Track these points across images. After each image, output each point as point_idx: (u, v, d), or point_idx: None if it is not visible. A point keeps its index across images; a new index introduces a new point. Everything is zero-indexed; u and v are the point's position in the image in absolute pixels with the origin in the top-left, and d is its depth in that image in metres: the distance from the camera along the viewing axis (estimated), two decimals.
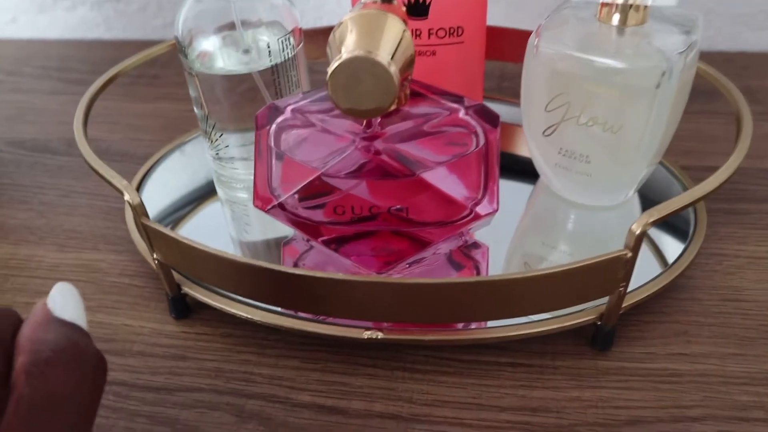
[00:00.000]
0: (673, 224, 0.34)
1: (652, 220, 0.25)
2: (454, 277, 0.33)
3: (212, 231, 0.37)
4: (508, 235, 0.36)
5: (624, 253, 0.25)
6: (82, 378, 0.19)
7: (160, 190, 0.39)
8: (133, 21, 0.62)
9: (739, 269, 0.34)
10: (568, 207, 0.36)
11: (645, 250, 0.34)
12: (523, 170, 0.38)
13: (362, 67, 0.25)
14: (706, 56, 0.55)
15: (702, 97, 0.46)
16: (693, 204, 0.27)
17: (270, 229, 0.37)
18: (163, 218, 0.37)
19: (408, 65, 0.27)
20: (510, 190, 0.38)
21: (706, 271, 0.34)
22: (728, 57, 0.54)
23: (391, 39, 0.26)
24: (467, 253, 0.34)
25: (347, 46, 0.25)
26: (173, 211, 0.38)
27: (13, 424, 0.18)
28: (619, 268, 0.26)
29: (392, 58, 0.25)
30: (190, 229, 0.37)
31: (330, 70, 0.25)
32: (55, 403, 0.18)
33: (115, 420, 0.28)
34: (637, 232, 0.25)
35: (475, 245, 0.34)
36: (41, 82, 0.56)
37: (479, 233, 0.34)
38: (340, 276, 0.26)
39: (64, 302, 0.21)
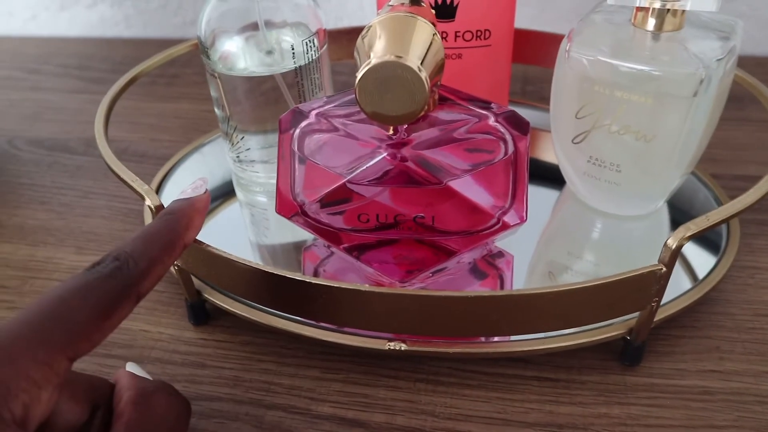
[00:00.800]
0: (704, 236, 0.33)
1: (689, 234, 0.24)
2: (477, 286, 0.32)
3: (231, 234, 0.37)
4: (532, 244, 0.35)
5: (659, 267, 0.24)
6: (178, 407, 0.23)
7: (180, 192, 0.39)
8: (153, 19, 0.62)
9: None
10: (594, 216, 0.35)
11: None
12: (549, 176, 0.38)
13: (392, 72, 0.24)
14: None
15: (731, 103, 0.45)
16: (731, 218, 0.26)
17: (289, 234, 0.37)
18: None
19: (438, 70, 0.26)
20: (535, 197, 0.38)
21: (739, 285, 0.33)
22: (759, 62, 0.53)
23: (420, 43, 0.25)
24: (491, 262, 0.34)
25: (376, 51, 0.24)
26: None
27: None
28: (653, 283, 0.25)
29: (422, 63, 0.24)
30: (209, 232, 0.36)
31: (359, 75, 0.24)
32: (157, 425, 0.22)
33: None
34: (673, 246, 0.24)
35: (500, 254, 0.34)
36: (61, 81, 0.56)
37: (503, 240, 0.33)
38: (364, 287, 0.25)
39: (138, 371, 0.25)
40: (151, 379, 0.24)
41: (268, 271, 0.26)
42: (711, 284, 0.30)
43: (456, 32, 0.35)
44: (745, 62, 0.53)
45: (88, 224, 0.39)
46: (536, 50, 0.43)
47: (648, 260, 0.25)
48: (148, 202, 0.28)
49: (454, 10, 0.34)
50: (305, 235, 0.35)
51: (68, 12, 0.63)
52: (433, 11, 0.30)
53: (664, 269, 0.25)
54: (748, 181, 0.40)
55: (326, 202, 0.30)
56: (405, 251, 0.32)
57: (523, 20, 0.45)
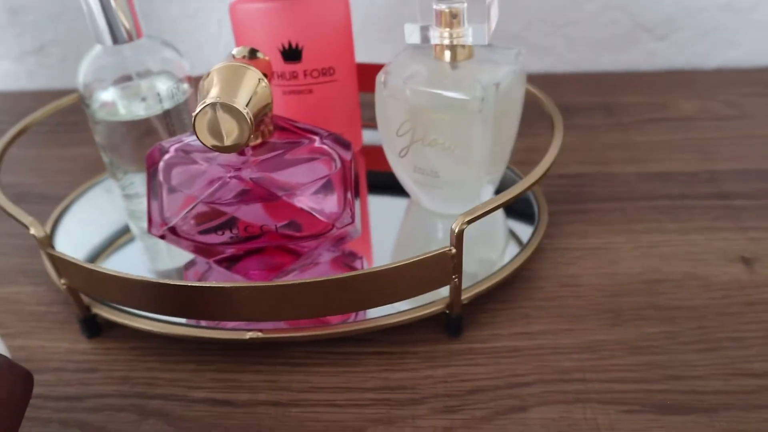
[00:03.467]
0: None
1: (467, 219, 0.31)
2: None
3: (130, 262, 0.41)
4: (389, 248, 0.41)
5: (448, 249, 0.31)
6: (15, 385, 0.24)
7: (79, 226, 0.44)
8: (55, 72, 0.66)
9: (578, 259, 0.40)
10: (435, 218, 0.42)
11: (514, 247, 0.39)
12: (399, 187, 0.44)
13: (220, 110, 0.30)
14: (570, 77, 0.62)
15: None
16: (505, 204, 0.33)
17: (180, 258, 0.42)
18: (82, 252, 0.41)
19: (264, 107, 0.32)
20: (390, 206, 0.44)
21: (551, 263, 0.40)
22: (591, 77, 0.61)
23: (248, 87, 0.31)
24: (348, 264, 0.40)
25: (210, 94, 0.30)
26: (92, 246, 0.42)
27: None
28: (447, 262, 0.31)
29: (248, 102, 0.30)
30: (108, 263, 0.41)
31: (194, 114, 0.30)
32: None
33: (29, 428, 0.32)
34: (456, 230, 0.31)
35: (353, 255, 0.40)
36: None
37: (365, 247, 0.40)
38: (224, 284, 0.31)
39: None
40: None
41: (138, 279, 0.32)
42: (517, 264, 0.37)
43: (304, 71, 0.42)
44: (579, 78, 0.62)
45: None
46: None
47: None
48: (32, 230, 0.33)
49: (300, 53, 0.41)
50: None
51: None
52: (269, 59, 0.36)
53: (454, 250, 0.31)
54: (568, 178, 0.47)
55: (199, 221, 0.35)
56: (267, 258, 0.37)
57: (381, 56, 0.52)
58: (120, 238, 0.44)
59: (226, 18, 0.62)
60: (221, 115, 0.30)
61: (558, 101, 0.42)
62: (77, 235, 0.43)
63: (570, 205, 0.44)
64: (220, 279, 0.38)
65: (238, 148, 0.31)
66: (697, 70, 0.62)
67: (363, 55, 0.46)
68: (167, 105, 0.39)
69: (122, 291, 0.32)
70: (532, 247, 0.38)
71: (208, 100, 0.30)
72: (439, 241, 0.41)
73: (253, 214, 0.35)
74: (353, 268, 0.39)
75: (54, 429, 0.32)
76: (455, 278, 0.32)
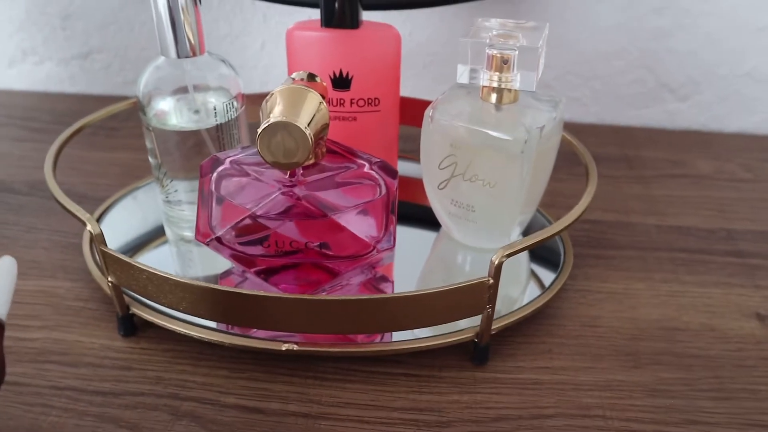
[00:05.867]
0: (555, 266, 0.42)
1: (507, 253, 0.32)
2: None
3: (159, 266, 0.42)
4: (415, 276, 0.42)
5: (486, 279, 0.32)
6: None
7: (114, 229, 0.45)
8: (96, 77, 0.68)
9: (599, 301, 0.42)
10: (464, 250, 0.44)
11: (532, 286, 0.41)
12: (427, 219, 0.46)
13: (284, 128, 0.32)
14: (595, 128, 0.64)
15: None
16: (544, 241, 0.34)
17: (210, 266, 0.43)
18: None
19: (322, 129, 0.34)
20: (419, 236, 0.46)
21: (574, 304, 0.41)
22: (615, 130, 0.64)
23: (309, 108, 0.33)
24: (376, 286, 0.41)
25: (273, 113, 0.32)
26: (125, 248, 0.44)
27: None
28: (484, 291, 0.33)
29: (309, 123, 0.32)
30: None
31: (259, 131, 0.32)
32: None
33: (66, 419, 0.33)
34: (496, 262, 0.32)
35: (384, 278, 0.41)
36: (5, 130, 0.61)
37: (387, 273, 0.41)
38: (262, 293, 0.32)
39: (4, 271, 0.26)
40: None
41: (188, 282, 0.33)
42: (542, 302, 0.39)
43: (351, 99, 0.44)
44: (604, 129, 0.64)
45: (30, 254, 0.44)
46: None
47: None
48: (89, 227, 0.34)
49: (349, 82, 0.43)
50: (223, 268, 0.42)
51: (16, 68, 0.68)
52: (326, 85, 0.39)
53: (491, 281, 0.33)
54: (591, 223, 0.49)
55: (239, 233, 0.37)
56: (304, 274, 0.39)
57: (417, 89, 0.54)
58: (152, 241, 0.45)
59: (270, 41, 0.64)
60: (284, 133, 0.32)
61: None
62: (112, 236, 0.44)
63: (592, 250, 0.46)
64: (255, 289, 0.40)
65: (295, 166, 0.33)
66: (715, 133, 0.64)
67: (403, 89, 0.48)
68: (220, 119, 0.41)
69: (172, 293, 0.33)
70: (558, 285, 0.40)
71: (272, 119, 0.32)
72: (466, 273, 0.43)
73: (296, 230, 0.36)
74: (381, 292, 0.41)
75: (89, 422, 0.33)
76: (489, 308, 0.34)
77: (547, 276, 0.42)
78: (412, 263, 0.43)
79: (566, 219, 0.35)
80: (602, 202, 0.52)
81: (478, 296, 0.33)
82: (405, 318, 0.33)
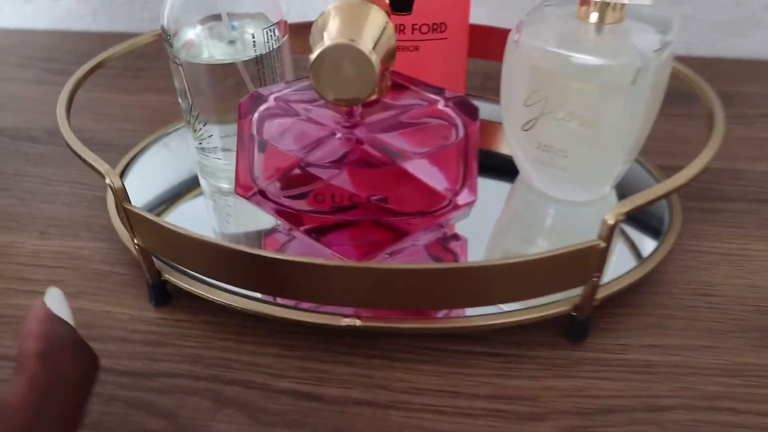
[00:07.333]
0: (648, 222, 0.35)
1: (624, 210, 0.26)
2: None
3: (194, 222, 0.37)
4: (487, 232, 0.36)
5: (597, 243, 0.26)
6: (85, 366, 0.22)
7: (143, 181, 0.39)
8: (120, 13, 0.62)
9: (711, 265, 0.35)
10: (547, 202, 0.37)
11: (621, 246, 0.34)
12: (503, 168, 0.39)
13: (344, 54, 0.25)
14: (684, 61, 0.56)
15: (677, 99, 0.47)
16: (664, 196, 0.27)
17: (251, 222, 0.38)
18: (145, 207, 0.37)
19: (389, 56, 0.27)
20: (489, 187, 0.39)
21: (680, 267, 0.35)
22: (707, 62, 0.55)
23: (373, 29, 0.26)
24: (446, 246, 0.35)
25: (330, 34, 0.25)
26: (155, 202, 0.38)
27: (27, 401, 0.20)
28: (593, 258, 0.26)
29: (374, 47, 0.25)
30: (172, 220, 0.37)
31: (312, 57, 0.25)
32: (64, 386, 0.21)
33: (90, 405, 0.28)
34: (611, 222, 0.26)
35: (455, 237, 0.35)
36: (24, 71, 0.56)
37: (458, 229, 0.35)
38: (319, 260, 0.26)
39: (60, 303, 0.24)
40: (65, 322, 0.23)
41: (226, 246, 0.27)
42: (652, 264, 0.32)
43: (413, 25, 0.36)
44: (692, 63, 0.55)
45: (51, 210, 0.39)
46: (496, 46, 0.44)
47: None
48: (108, 181, 0.28)
49: (411, 3, 0.36)
50: (266, 224, 0.36)
51: (33, 5, 0.62)
52: (388, 2, 0.32)
53: (603, 244, 0.26)
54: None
55: (286, 184, 0.31)
56: (362, 233, 0.33)
57: (483, 19, 0.47)
58: (186, 195, 0.39)
59: None
60: (344, 60, 0.25)
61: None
62: (142, 188, 0.39)
63: (698, 203, 0.39)
64: (304, 251, 0.34)
65: (356, 103, 0.26)
66: None
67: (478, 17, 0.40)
68: (259, 50, 0.35)
69: (208, 259, 0.28)
70: (668, 245, 0.33)
71: (329, 42, 0.25)
72: (548, 229, 0.36)
73: (354, 181, 0.30)
74: (452, 253, 0.35)
75: (118, 408, 0.28)
76: (596, 277, 0.27)
77: (635, 234, 0.35)
78: (480, 219, 0.37)
79: (691, 168, 0.29)
80: (700, 147, 0.44)
81: (586, 263, 0.27)
82: (496, 291, 0.27)
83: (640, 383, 0.29)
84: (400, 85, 0.30)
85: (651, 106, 0.32)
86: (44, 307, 0.23)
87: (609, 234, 0.26)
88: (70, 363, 0.22)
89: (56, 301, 0.23)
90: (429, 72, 0.38)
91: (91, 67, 0.36)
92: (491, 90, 0.50)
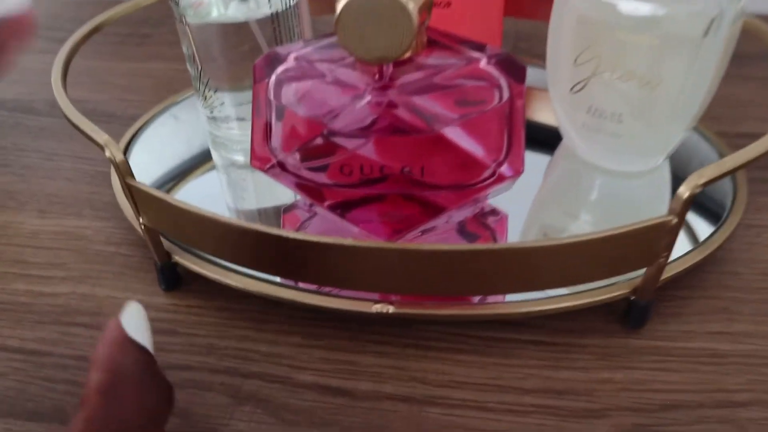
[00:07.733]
0: (707, 194, 0.31)
1: (702, 182, 0.22)
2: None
3: (207, 198, 0.34)
4: (522, 207, 0.33)
5: (669, 219, 0.22)
6: (153, 406, 0.20)
7: (150, 155, 0.36)
8: None
9: None
10: (592, 173, 0.33)
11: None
12: (539, 137, 0.35)
13: (376, 4, 0.21)
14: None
15: (732, 59, 0.43)
16: (743, 166, 0.24)
17: (268, 197, 0.34)
18: (153, 183, 0.34)
19: (427, 6, 0.24)
20: (527, 158, 0.36)
21: (745, 244, 0.31)
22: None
23: None
24: (484, 222, 0.32)
25: None
26: (164, 177, 0.35)
27: None
28: (663, 235, 0.23)
29: None
30: (183, 196, 0.34)
31: (339, 7, 0.22)
32: (124, 428, 0.19)
33: None
34: (685, 195, 0.22)
35: (494, 212, 0.32)
36: None
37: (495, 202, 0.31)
38: (347, 241, 0.23)
39: (138, 322, 0.21)
40: (139, 348, 0.21)
41: (240, 226, 0.24)
42: (718, 242, 0.28)
43: None
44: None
45: (52, 186, 0.36)
46: (530, 2, 0.40)
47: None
48: (108, 153, 0.25)
49: None
50: (285, 199, 0.33)
51: None
52: None
53: (676, 220, 0.23)
54: (752, 138, 0.38)
55: (307, 155, 0.28)
56: (391, 208, 0.29)
57: None
58: (197, 169, 0.36)
59: None
60: (377, 10, 0.22)
61: None
62: (148, 163, 0.36)
63: (761, 172, 0.35)
64: (328, 228, 0.31)
65: (388, 61, 0.23)
66: None
67: None
68: (275, 7, 0.31)
69: (221, 240, 0.25)
70: (735, 219, 0.30)
71: None
72: (593, 202, 0.33)
73: (385, 150, 0.27)
74: (490, 230, 0.31)
75: None
76: (664, 257, 0.24)
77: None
78: (515, 193, 0.33)
79: None
80: (761, 110, 0.40)
81: (654, 242, 0.23)
82: (550, 274, 0.23)
83: (708, 375, 0.26)
84: (434, 41, 0.27)
85: (721, 64, 0.28)
86: (118, 328, 0.20)
87: (683, 209, 0.22)
88: (134, 401, 0.19)
89: (134, 320, 0.21)
90: (462, 30, 0.35)
91: (88, 30, 0.32)
92: (524, 51, 0.47)
